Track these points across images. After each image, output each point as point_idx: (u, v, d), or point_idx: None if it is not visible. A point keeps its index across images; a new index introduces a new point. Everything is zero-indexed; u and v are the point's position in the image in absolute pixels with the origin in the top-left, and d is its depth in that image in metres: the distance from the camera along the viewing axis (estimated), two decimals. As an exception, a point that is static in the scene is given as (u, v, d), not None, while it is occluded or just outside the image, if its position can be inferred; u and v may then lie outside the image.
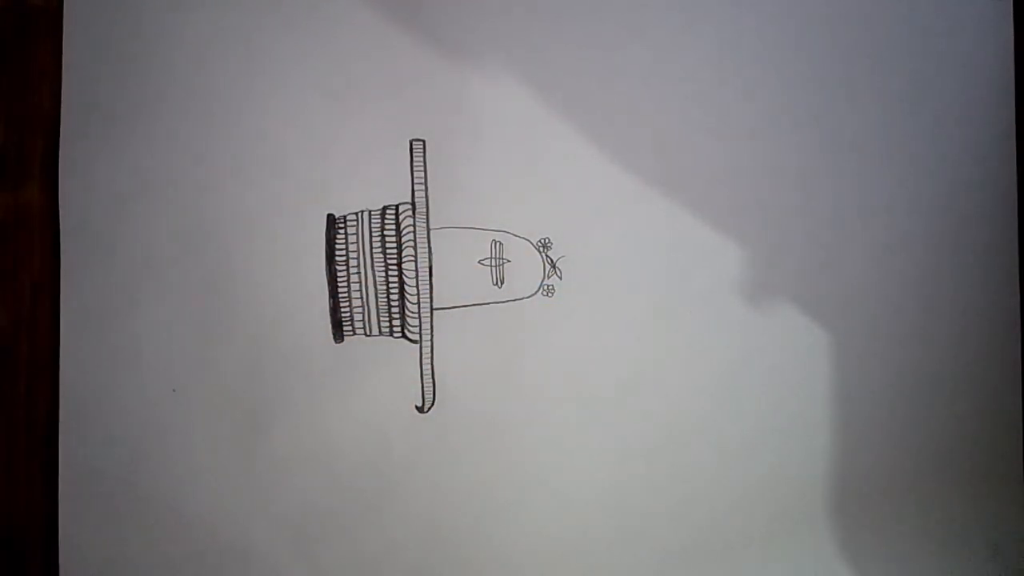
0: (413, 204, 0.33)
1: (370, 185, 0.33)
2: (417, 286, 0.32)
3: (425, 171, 0.33)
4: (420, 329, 0.32)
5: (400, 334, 0.33)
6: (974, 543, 0.33)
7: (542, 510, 0.32)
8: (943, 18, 0.33)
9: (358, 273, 0.32)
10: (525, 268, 0.33)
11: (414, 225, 0.33)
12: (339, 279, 0.32)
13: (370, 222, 0.33)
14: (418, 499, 0.32)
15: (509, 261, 0.33)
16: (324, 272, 0.32)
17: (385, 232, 0.32)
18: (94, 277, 0.33)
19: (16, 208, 0.33)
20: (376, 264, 0.32)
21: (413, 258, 0.32)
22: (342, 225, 0.33)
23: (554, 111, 0.33)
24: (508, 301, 0.33)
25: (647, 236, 0.33)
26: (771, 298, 0.33)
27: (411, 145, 0.33)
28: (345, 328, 0.32)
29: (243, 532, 0.31)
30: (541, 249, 0.33)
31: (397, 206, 0.33)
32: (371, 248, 0.32)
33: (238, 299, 0.32)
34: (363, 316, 0.32)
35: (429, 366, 0.32)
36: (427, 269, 0.32)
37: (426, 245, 0.32)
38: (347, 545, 0.32)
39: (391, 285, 0.32)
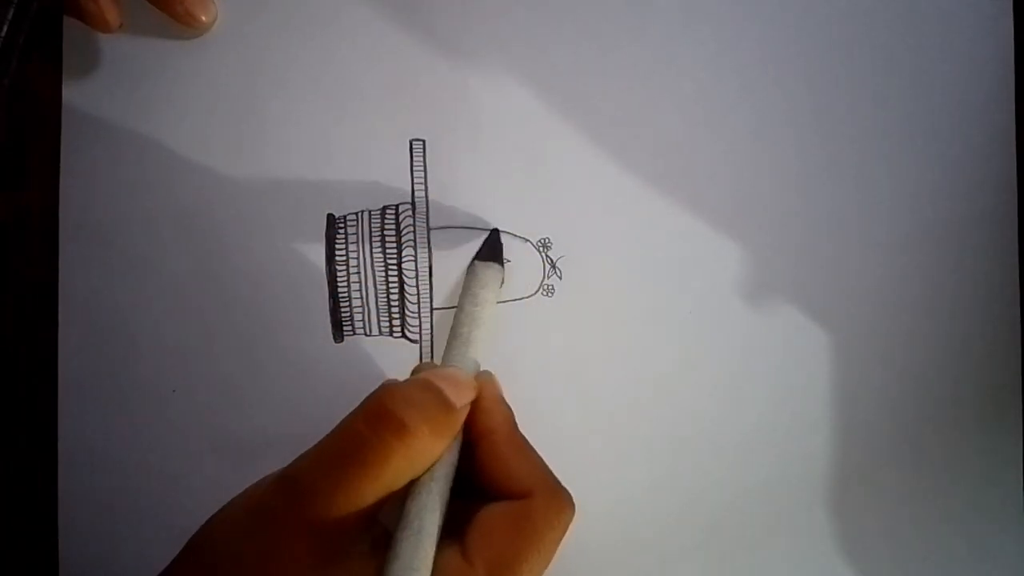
0: (413, 204, 0.33)
1: (370, 185, 0.33)
2: (417, 286, 0.32)
3: (425, 171, 0.33)
4: (420, 329, 0.32)
5: (400, 334, 0.33)
6: (974, 543, 0.33)
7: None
8: (943, 17, 0.33)
9: (358, 273, 0.32)
10: (525, 268, 0.33)
11: (414, 225, 0.33)
12: (339, 279, 0.32)
13: (370, 222, 0.33)
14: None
15: (509, 261, 0.33)
16: (324, 272, 0.32)
17: (385, 232, 0.32)
18: (94, 277, 0.33)
19: (16, 208, 0.33)
20: (376, 264, 0.32)
21: (413, 258, 0.32)
22: (342, 225, 0.33)
23: (554, 111, 0.33)
24: (508, 301, 0.33)
25: (647, 236, 0.33)
26: (771, 298, 0.33)
27: (411, 145, 0.33)
28: (345, 328, 0.32)
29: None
30: (541, 249, 0.33)
31: (397, 206, 0.33)
32: (371, 248, 0.32)
33: (238, 299, 0.32)
34: (363, 316, 0.32)
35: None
36: (427, 269, 0.32)
37: (426, 245, 0.32)
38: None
39: (391, 285, 0.32)
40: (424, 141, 0.33)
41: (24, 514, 0.33)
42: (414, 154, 0.33)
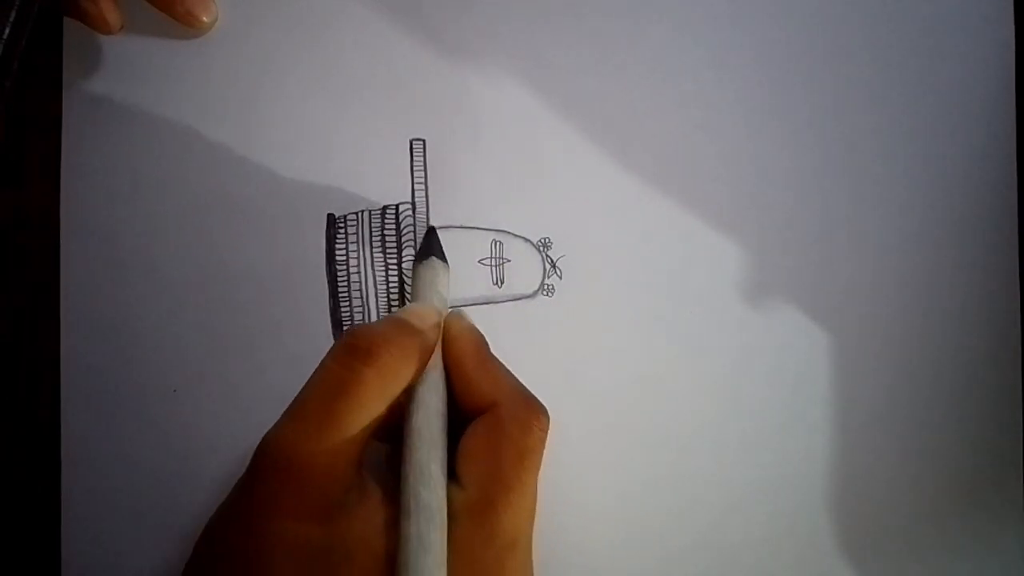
0: (413, 204, 0.33)
1: (370, 185, 0.33)
2: (417, 286, 0.32)
3: (425, 171, 0.33)
4: (420, 329, 0.32)
5: (400, 334, 0.33)
6: (973, 542, 0.33)
7: (541, 510, 0.32)
8: (943, 17, 0.33)
9: (358, 273, 0.33)
10: (525, 268, 0.33)
11: (414, 225, 0.33)
12: (339, 279, 0.32)
13: (370, 222, 0.33)
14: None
15: (509, 261, 0.33)
16: (324, 272, 0.32)
17: (385, 232, 0.33)
18: (95, 277, 0.33)
19: (16, 208, 0.33)
20: (376, 264, 0.33)
21: (413, 258, 0.32)
22: (342, 225, 0.33)
23: (554, 111, 0.33)
24: (508, 301, 0.33)
25: (647, 236, 0.33)
26: (771, 298, 0.33)
27: (411, 145, 0.33)
28: (345, 328, 0.32)
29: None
30: (541, 249, 0.33)
31: (397, 206, 0.33)
32: (371, 248, 0.33)
33: (238, 299, 0.32)
34: (363, 316, 0.32)
35: (429, 366, 0.32)
36: (427, 269, 0.32)
37: (426, 245, 0.32)
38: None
39: (391, 285, 0.33)
40: (424, 141, 0.33)
41: (26, 513, 0.33)
42: (414, 154, 0.33)
